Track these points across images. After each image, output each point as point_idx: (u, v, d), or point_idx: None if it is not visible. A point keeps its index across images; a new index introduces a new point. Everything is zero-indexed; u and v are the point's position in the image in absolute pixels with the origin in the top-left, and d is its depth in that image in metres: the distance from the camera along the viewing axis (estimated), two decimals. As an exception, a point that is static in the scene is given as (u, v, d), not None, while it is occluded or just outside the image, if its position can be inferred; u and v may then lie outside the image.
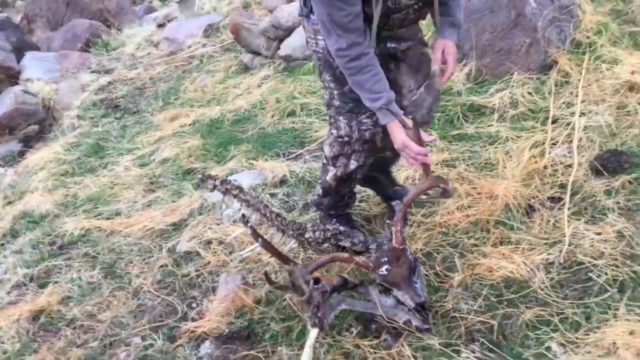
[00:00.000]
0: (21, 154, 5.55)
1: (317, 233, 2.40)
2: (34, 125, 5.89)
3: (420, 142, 2.16)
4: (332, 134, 2.49)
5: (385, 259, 2.23)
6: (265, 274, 2.18)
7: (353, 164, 2.49)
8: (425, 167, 2.26)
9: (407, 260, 2.21)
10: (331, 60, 2.23)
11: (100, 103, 5.89)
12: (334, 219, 2.77)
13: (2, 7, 14.71)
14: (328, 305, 2.20)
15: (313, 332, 2.09)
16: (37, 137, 5.81)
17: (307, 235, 2.41)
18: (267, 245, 2.29)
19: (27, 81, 6.31)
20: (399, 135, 2.17)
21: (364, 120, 2.38)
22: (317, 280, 2.24)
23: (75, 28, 8.15)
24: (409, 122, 2.13)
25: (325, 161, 2.58)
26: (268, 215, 2.47)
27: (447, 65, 2.33)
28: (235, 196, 2.48)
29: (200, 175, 2.52)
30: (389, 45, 2.26)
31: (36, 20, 8.82)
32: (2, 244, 3.54)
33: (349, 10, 2.00)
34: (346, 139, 2.43)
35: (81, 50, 7.81)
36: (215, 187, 2.48)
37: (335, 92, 2.35)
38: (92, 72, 6.62)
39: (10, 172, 4.86)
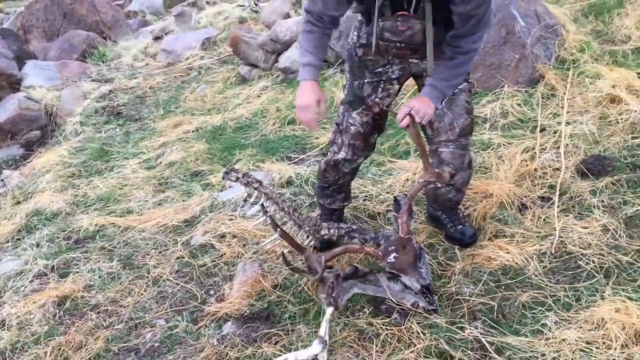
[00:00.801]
0: (23, 158, 5.67)
1: (332, 230, 2.58)
2: (36, 131, 6.02)
3: (419, 137, 2.44)
4: (335, 120, 2.74)
5: (393, 247, 2.42)
6: (283, 254, 2.34)
7: (341, 154, 2.71)
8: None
9: (412, 248, 2.42)
10: (353, 54, 2.53)
11: (102, 110, 6.04)
12: (319, 210, 3.00)
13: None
14: (341, 287, 2.40)
15: (329, 310, 2.28)
16: (39, 142, 5.93)
17: (322, 232, 2.59)
18: (285, 235, 2.47)
19: (28, 88, 6.44)
20: (303, 94, 2.40)
21: (354, 116, 2.62)
22: (330, 267, 2.45)
23: (73, 39, 8.32)
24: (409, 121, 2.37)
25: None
26: (286, 209, 2.65)
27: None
28: (255, 189, 2.66)
29: (224, 169, 2.71)
30: (410, 60, 2.47)
31: (32, 31, 8.96)
32: (19, 239, 3.65)
33: None
34: (338, 127, 2.69)
35: (78, 61, 7.97)
36: (238, 178, 2.66)
37: (348, 82, 2.62)
38: (93, 80, 6.79)
39: (16, 175, 4.96)
